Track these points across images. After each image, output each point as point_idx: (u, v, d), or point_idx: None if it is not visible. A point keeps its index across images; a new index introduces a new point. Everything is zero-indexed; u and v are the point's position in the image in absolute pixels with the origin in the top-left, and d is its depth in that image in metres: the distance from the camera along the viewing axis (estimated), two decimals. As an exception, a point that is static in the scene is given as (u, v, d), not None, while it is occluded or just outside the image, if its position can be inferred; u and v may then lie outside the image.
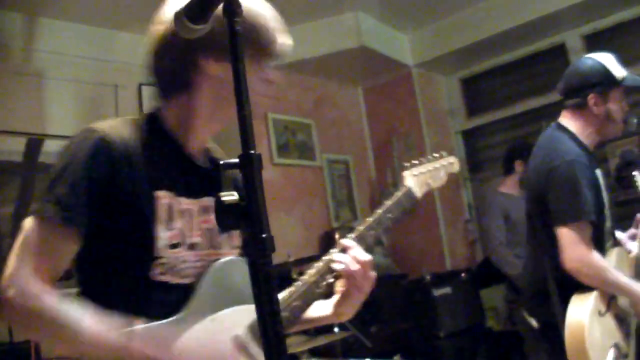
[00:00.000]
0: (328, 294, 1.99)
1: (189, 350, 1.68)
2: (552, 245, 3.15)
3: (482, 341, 6.05)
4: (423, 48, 7.26)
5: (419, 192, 2.22)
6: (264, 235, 1.16)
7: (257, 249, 1.16)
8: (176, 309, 1.72)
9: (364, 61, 6.92)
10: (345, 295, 1.99)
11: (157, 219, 1.74)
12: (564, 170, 3.16)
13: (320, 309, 2.07)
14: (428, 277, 5.81)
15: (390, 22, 6.92)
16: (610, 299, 3.15)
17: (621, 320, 3.17)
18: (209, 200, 1.88)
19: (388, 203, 2.12)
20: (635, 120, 3.45)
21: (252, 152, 1.20)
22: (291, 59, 6.40)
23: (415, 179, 2.25)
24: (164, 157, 1.83)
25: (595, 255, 3.08)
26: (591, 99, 3.29)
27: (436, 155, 2.38)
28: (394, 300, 5.94)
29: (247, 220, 1.18)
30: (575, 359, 2.97)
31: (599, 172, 3.32)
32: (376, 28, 6.80)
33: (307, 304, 1.90)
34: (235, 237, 1.97)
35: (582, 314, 3.02)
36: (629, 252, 3.51)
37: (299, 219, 6.54)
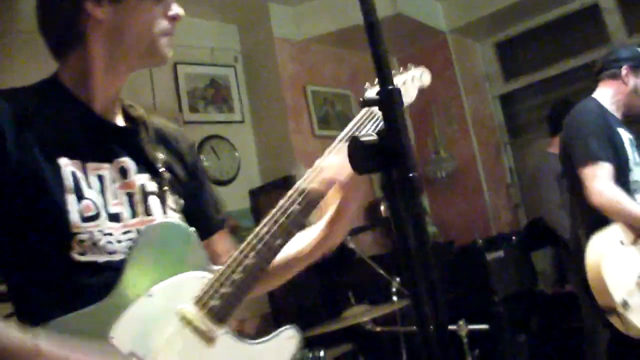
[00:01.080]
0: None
1: (126, 335, 1.49)
2: (581, 193, 3.40)
3: (536, 304, 6.00)
4: (457, 14, 7.16)
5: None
6: (411, 175, 1.07)
7: (406, 190, 1.07)
8: (108, 291, 1.52)
9: (398, 29, 6.77)
10: (340, 210, 1.82)
11: (64, 190, 1.53)
12: (575, 119, 3.61)
13: (306, 238, 1.89)
14: (480, 242, 5.71)
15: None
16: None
17: None
18: (126, 161, 1.69)
19: (349, 126, 1.92)
20: None
21: (391, 87, 1.11)
22: (325, 30, 6.37)
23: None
24: (66, 120, 1.62)
25: (616, 190, 3.31)
26: (624, 69, 3.67)
27: (402, 69, 2.15)
28: (444, 268, 5.86)
29: (391, 160, 1.09)
30: (595, 287, 3.15)
31: (622, 130, 3.59)
32: (411, -6, 6.70)
33: (284, 238, 1.68)
34: (170, 199, 1.76)
35: (601, 243, 3.24)
36: None
37: (343, 191, 6.43)
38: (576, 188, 3.49)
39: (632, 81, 3.65)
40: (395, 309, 4.27)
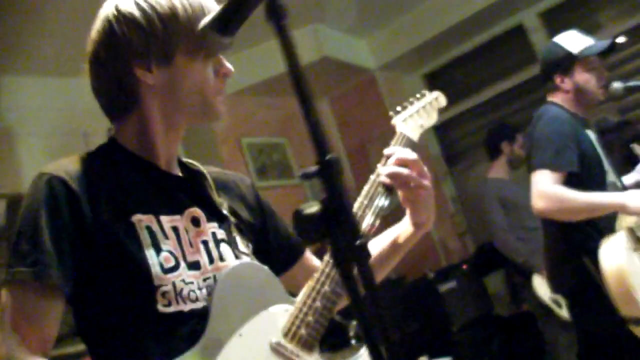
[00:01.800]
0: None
1: None
2: None
3: (494, 328, 6.04)
4: (383, 49, 7.25)
5: (414, 135, 2.06)
6: (358, 242, 1.08)
7: (353, 258, 1.08)
8: (197, 338, 1.54)
9: (326, 72, 6.85)
10: (414, 202, 1.89)
11: (142, 245, 1.56)
12: (543, 125, 3.41)
13: (395, 232, 1.99)
14: (432, 275, 5.76)
15: (348, 29, 6.91)
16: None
17: None
18: (196, 211, 1.73)
19: (384, 159, 1.94)
20: (617, 85, 3.62)
21: (330, 156, 1.12)
22: (255, 80, 6.40)
23: (406, 123, 2.09)
24: (133, 178, 1.67)
25: (561, 188, 3.19)
26: (557, 78, 3.56)
27: (418, 95, 2.24)
28: (397, 304, 5.87)
29: (335, 229, 1.10)
30: (623, 302, 2.99)
31: (590, 133, 3.49)
32: (335, 37, 6.78)
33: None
34: (240, 244, 1.79)
35: (617, 256, 3.05)
36: None
37: (286, 239, 6.44)
38: None
39: (570, 85, 3.53)
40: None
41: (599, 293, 3.07)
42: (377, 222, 1.79)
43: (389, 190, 1.82)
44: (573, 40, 3.55)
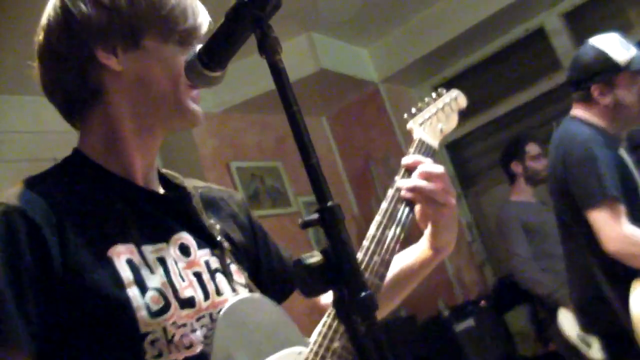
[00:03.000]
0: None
1: None
2: (594, 238, 3.19)
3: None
4: (387, 61, 7.27)
5: (433, 141, 1.97)
6: (363, 295, 1.14)
7: (357, 311, 1.14)
8: None
9: (324, 86, 6.90)
10: (436, 222, 1.82)
11: (123, 285, 1.44)
12: (579, 152, 3.30)
13: (411, 256, 1.92)
14: (446, 313, 5.77)
15: (347, 37, 6.94)
16: None
17: None
18: (185, 237, 1.64)
19: (403, 170, 1.86)
20: None
21: (330, 203, 1.18)
22: (245, 97, 6.42)
23: (423, 127, 2.00)
24: (105, 200, 1.56)
25: (635, 230, 3.12)
26: (595, 90, 3.42)
27: (434, 95, 2.17)
28: (408, 347, 5.89)
29: (339, 280, 1.16)
30: None
31: (623, 152, 3.41)
32: (333, 47, 6.82)
33: (385, 267, 1.66)
34: (235, 274, 1.71)
35: None
36: None
37: (284, 274, 6.42)
38: (585, 233, 3.26)
39: (609, 99, 3.40)
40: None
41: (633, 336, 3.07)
42: (400, 239, 1.72)
43: (409, 206, 1.76)
44: (617, 47, 3.40)
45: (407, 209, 1.76)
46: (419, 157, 1.83)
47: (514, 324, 6.45)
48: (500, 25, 6.86)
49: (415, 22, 6.99)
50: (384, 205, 1.76)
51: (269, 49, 1.26)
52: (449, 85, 6.52)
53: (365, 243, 1.69)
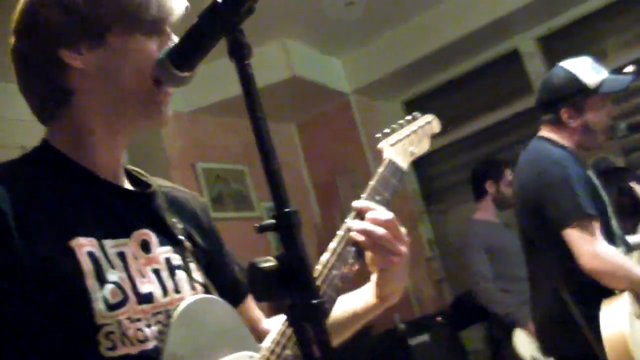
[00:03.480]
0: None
1: None
2: (564, 258, 3.17)
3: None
4: (360, 72, 7.30)
5: (403, 163, 1.99)
6: (314, 302, 1.15)
7: (308, 318, 1.15)
8: None
9: (296, 93, 6.91)
10: (384, 270, 1.79)
11: (83, 276, 1.44)
12: (554, 171, 3.28)
13: (354, 302, 1.89)
14: (402, 326, 5.78)
15: (322, 46, 6.96)
16: None
17: None
18: (146, 233, 1.64)
19: (372, 184, 1.90)
20: (623, 126, 3.63)
21: (288, 209, 1.19)
22: (215, 99, 6.41)
23: (395, 148, 2.02)
24: (71, 192, 1.56)
25: (611, 248, 3.12)
26: (564, 113, 3.44)
27: (409, 117, 2.18)
28: (363, 357, 5.87)
29: (292, 287, 1.17)
30: None
31: (591, 174, 3.40)
32: (307, 55, 6.84)
33: (330, 305, 1.64)
34: (195, 273, 1.71)
35: (618, 321, 2.98)
36: None
37: (243, 278, 6.40)
38: (557, 252, 3.23)
39: (578, 122, 3.42)
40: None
41: None
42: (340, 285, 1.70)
43: (358, 249, 1.74)
44: (588, 70, 3.41)
45: (356, 253, 1.74)
46: (370, 204, 1.82)
47: (470, 342, 6.51)
48: (475, 45, 6.92)
49: (391, 36, 7.03)
50: (333, 244, 1.74)
51: (238, 53, 1.26)
52: (420, 100, 6.60)
53: (318, 267, 1.69)
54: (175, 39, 1.61)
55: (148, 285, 1.56)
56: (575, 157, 3.36)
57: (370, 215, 1.76)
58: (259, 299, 1.20)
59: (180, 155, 6.36)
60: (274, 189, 1.20)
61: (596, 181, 3.41)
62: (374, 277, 1.85)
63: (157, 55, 1.57)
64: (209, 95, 6.42)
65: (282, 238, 1.18)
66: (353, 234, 1.74)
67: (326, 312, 1.15)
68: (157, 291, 1.57)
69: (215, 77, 6.23)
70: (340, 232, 1.76)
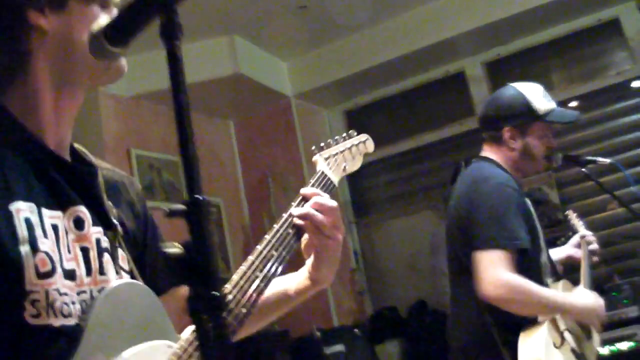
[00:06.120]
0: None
1: None
2: None
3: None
4: (304, 77, 7.31)
5: (334, 177, 2.05)
6: (215, 293, 1.12)
7: (207, 309, 1.12)
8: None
9: (237, 90, 6.91)
10: (318, 254, 1.86)
11: (18, 240, 1.44)
12: (491, 192, 3.20)
13: (289, 282, 1.94)
14: (318, 334, 5.77)
15: (269, 47, 6.96)
16: (563, 332, 3.14)
17: (578, 357, 3.18)
18: (82, 211, 1.62)
19: (300, 198, 1.92)
20: (559, 157, 3.56)
21: (200, 197, 1.16)
22: (155, 87, 6.35)
23: (329, 162, 2.09)
24: (16, 155, 1.55)
25: (518, 278, 3.02)
26: (506, 132, 3.37)
27: (345, 135, 2.24)
28: (277, 360, 5.88)
29: (194, 276, 1.14)
30: None
31: (528, 202, 3.35)
32: (253, 53, 6.83)
33: (265, 283, 1.70)
34: (122, 258, 1.70)
35: (536, 350, 2.97)
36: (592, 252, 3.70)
37: (165, 270, 6.37)
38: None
39: (519, 144, 3.38)
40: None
41: None
42: (280, 269, 1.76)
43: (298, 232, 1.83)
44: (539, 97, 3.40)
45: (296, 235, 1.82)
46: (317, 190, 1.90)
47: (384, 356, 6.49)
48: (421, 63, 6.98)
49: (340, 44, 7.06)
50: (276, 226, 1.81)
51: (169, 33, 1.23)
52: (361, 112, 6.60)
53: (251, 257, 1.72)
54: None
55: (72, 262, 1.55)
56: (515, 181, 3.30)
57: (315, 200, 1.84)
58: (162, 284, 1.18)
59: (116, 139, 6.32)
60: (188, 176, 1.18)
61: (532, 209, 3.38)
62: (308, 261, 1.91)
63: None
64: (152, 83, 6.31)
65: (191, 226, 1.16)
66: (295, 219, 1.82)
67: (225, 305, 1.12)
68: (81, 270, 1.56)
69: (160, 65, 6.15)
70: (284, 215, 1.83)
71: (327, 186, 1.99)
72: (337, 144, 2.18)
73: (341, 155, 2.15)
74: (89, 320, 1.50)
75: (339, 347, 5.85)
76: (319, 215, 1.82)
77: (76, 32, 1.61)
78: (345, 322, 6.88)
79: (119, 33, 1.40)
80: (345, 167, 2.14)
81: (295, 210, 1.84)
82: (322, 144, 2.13)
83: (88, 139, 6.05)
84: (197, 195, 1.16)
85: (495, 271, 3.01)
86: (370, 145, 2.29)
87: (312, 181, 1.98)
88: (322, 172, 2.02)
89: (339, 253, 1.89)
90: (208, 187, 7.14)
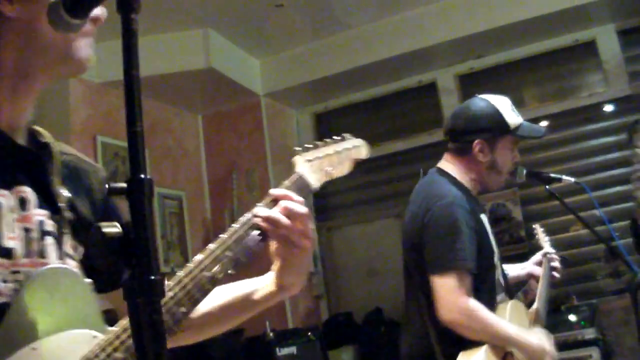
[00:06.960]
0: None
1: None
2: (431, 303, 3.07)
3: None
4: (275, 77, 7.30)
5: (315, 180, 1.92)
6: (152, 278, 1.08)
7: (142, 294, 1.08)
8: None
9: (208, 85, 6.90)
10: (285, 261, 1.77)
11: None
12: (441, 213, 3.12)
13: (252, 286, 1.85)
14: (271, 335, 5.74)
15: (243, 44, 6.95)
16: (506, 354, 3.09)
17: None
18: (27, 191, 1.60)
19: (270, 199, 1.81)
20: (523, 172, 3.55)
21: (143, 176, 1.12)
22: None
23: (310, 164, 1.95)
24: None
25: (476, 304, 3.00)
26: (476, 145, 3.28)
27: (337, 137, 2.11)
28: (228, 358, 5.83)
29: (132, 258, 1.10)
30: None
31: (484, 218, 3.30)
32: (226, 49, 6.81)
33: (212, 285, 1.63)
34: (68, 244, 1.67)
35: None
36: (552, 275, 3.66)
37: (122, 261, 6.33)
38: (429, 292, 3.08)
39: (487, 157, 3.30)
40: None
41: None
42: (231, 271, 1.65)
43: (261, 236, 1.71)
44: (509, 110, 3.33)
45: (257, 237, 1.70)
46: (289, 193, 1.78)
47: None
48: (395, 71, 6.99)
49: (313, 46, 7.06)
50: (235, 226, 1.70)
51: (126, 6, 1.19)
52: (330, 115, 6.59)
53: (201, 256, 1.65)
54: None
55: (12, 241, 1.52)
56: (470, 198, 3.24)
57: (284, 204, 1.72)
58: (96, 264, 1.13)
59: (83, 125, 6.29)
60: (132, 154, 1.13)
61: (487, 226, 3.30)
62: (274, 267, 1.81)
63: None
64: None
65: (131, 206, 1.11)
66: (257, 220, 1.70)
67: (163, 291, 1.08)
68: (19, 249, 1.53)
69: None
70: (247, 215, 1.72)
71: (303, 190, 1.86)
72: (325, 146, 2.04)
73: (327, 159, 2.01)
74: (17, 301, 1.48)
75: (291, 350, 5.81)
76: (286, 221, 1.70)
77: (42, 21, 1.53)
78: (300, 324, 6.86)
79: (77, 4, 1.36)
80: (329, 171, 1.99)
81: (260, 210, 1.72)
82: (308, 145, 1.99)
83: (56, 122, 6.04)
84: (140, 174, 1.11)
85: (451, 296, 2.99)
86: (363, 152, 2.16)
87: (287, 182, 1.86)
88: (300, 175, 1.90)
89: (308, 261, 1.81)
90: (173, 178, 7.20)
